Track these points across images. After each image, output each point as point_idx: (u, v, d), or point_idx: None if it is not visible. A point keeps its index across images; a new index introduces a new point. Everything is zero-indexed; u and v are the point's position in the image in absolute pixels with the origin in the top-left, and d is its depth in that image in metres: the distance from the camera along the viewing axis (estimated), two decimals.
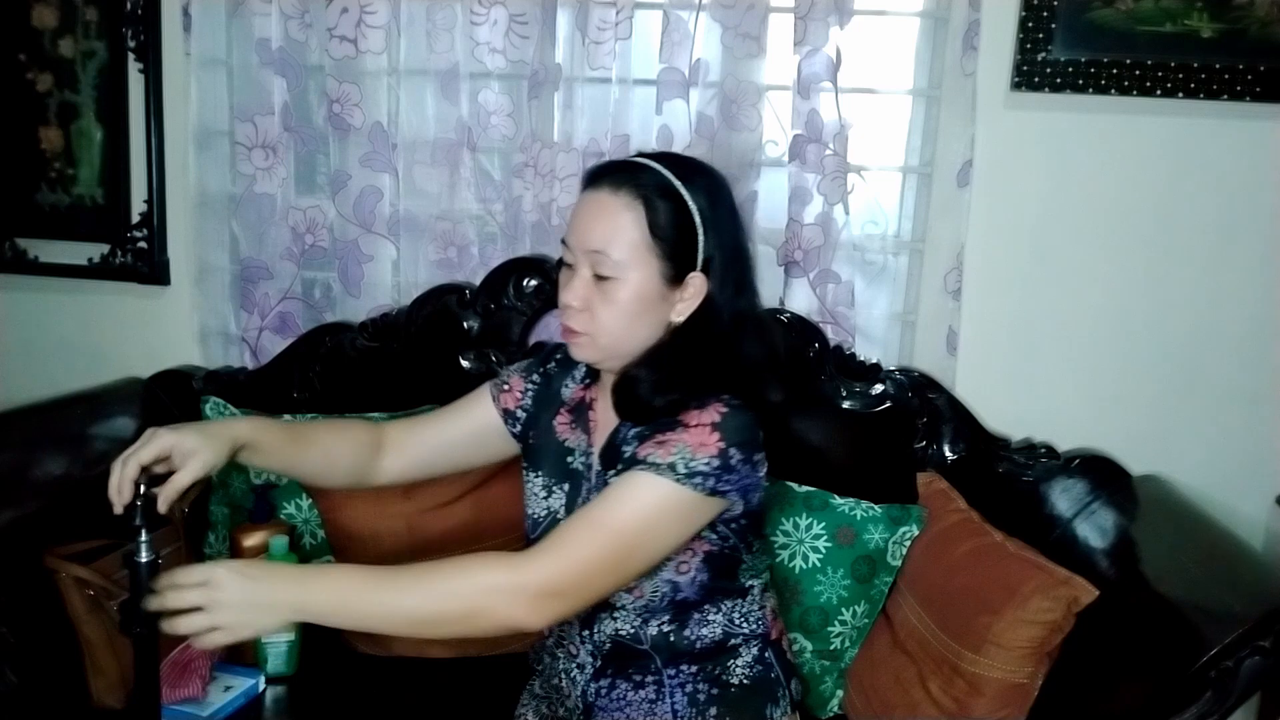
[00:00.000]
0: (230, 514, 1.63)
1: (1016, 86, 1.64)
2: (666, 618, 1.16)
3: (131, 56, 1.80)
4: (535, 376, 1.29)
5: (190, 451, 1.06)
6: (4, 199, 1.88)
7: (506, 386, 1.28)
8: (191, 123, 1.78)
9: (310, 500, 1.58)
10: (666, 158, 1.14)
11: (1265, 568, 1.33)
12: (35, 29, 1.80)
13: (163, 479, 1.05)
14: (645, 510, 1.02)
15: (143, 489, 1.03)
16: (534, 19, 1.67)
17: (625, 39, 1.64)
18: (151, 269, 1.87)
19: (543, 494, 1.22)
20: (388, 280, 1.81)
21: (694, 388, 1.08)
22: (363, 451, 1.24)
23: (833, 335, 1.70)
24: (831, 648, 1.49)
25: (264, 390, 1.75)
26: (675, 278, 1.09)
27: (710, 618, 1.18)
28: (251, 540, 1.49)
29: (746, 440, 1.06)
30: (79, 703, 1.35)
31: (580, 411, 1.22)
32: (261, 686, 1.43)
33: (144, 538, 0.99)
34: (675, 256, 1.08)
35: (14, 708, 1.28)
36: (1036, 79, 1.62)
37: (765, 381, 1.12)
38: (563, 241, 1.13)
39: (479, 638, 1.31)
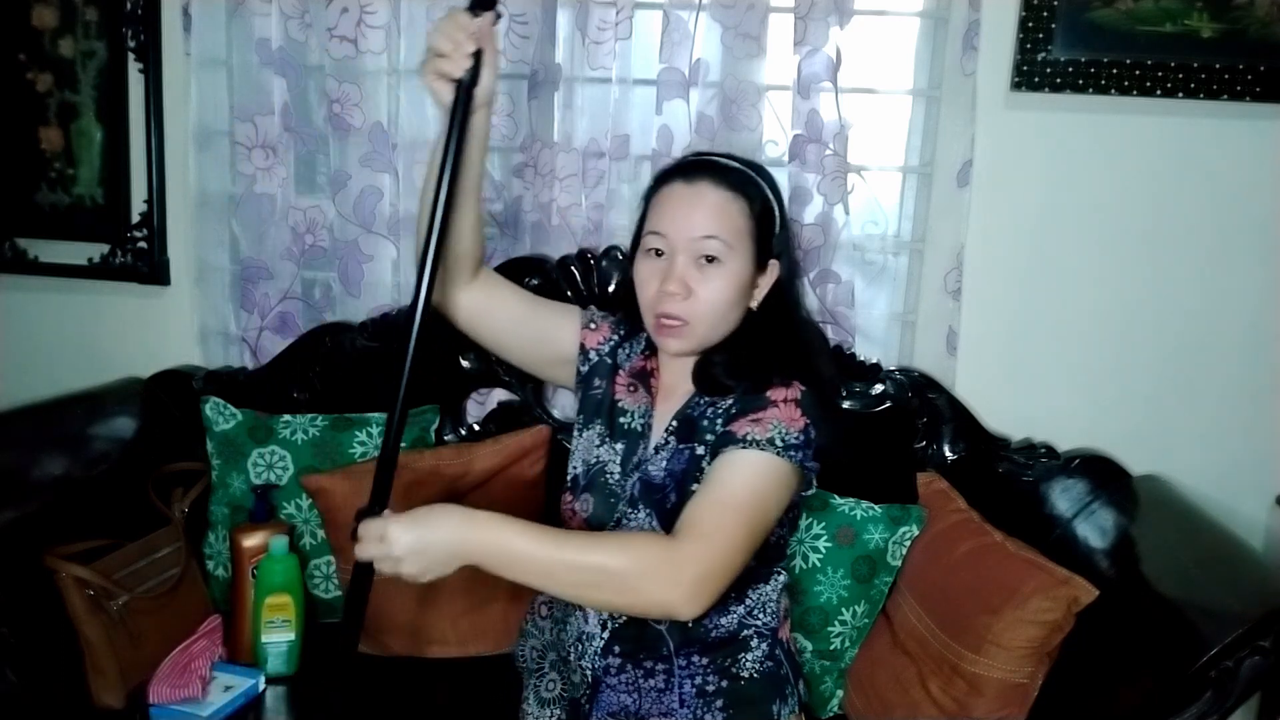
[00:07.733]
0: (230, 514, 1.63)
1: (1016, 86, 1.64)
2: None
3: (131, 56, 1.80)
4: (616, 335, 1.33)
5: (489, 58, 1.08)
6: (4, 199, 1.88)
7: (594, 326, 1.33)
8: (191, 123, 1.78)
9: (310, 500, 1.58)
10: (736, 158, 1.22)
11: (1265, 568, 1.33)
12: (35, 29, 1.80)
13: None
14: (759, 485, 1.08)
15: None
16: (534, 19, 1.67)
17: (625, 39, 1.64)
18: (151, 269, 1.87)
19: (596, 443, 1.26)
20: (388, 280, 1.81)
21: (768, 369, 1.15)
22: (475, 256, 1.25)
23: (833, 335, 1.70)
24: (831, 648, 1.49)
25: (264, 390, 1.75)
26: (760, 265, 1.18)
27: (732, 607, 1.20)
28: (251, 540, 1.49)
29: (817, 420, 1.13)
30: (79, 703, 1.36)
31: (642, 378, 1.28)
32: (261, 686, 1.43)
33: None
34: (761, 245, 1.18)
35: (14, 708, 1.29)
36: (1036, 79, 1.62)
37: (825, 364, 1.23)
38: (653, 232, 1.17)
39: (628, 613, 1.27)
